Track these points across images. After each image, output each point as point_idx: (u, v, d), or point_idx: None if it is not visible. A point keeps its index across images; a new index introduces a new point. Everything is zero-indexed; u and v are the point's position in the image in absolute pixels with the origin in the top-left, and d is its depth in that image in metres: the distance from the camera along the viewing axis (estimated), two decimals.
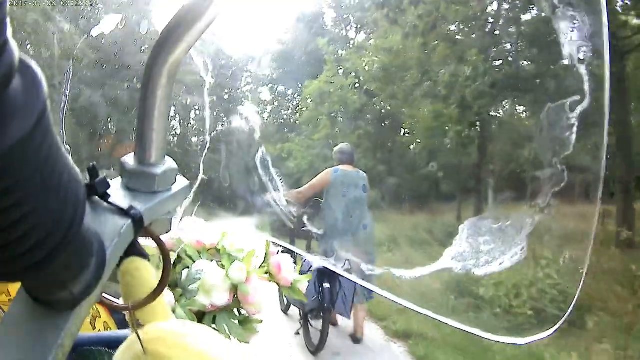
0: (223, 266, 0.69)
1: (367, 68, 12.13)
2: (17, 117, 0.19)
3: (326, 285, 3.58)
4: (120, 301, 0.39)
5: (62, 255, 0.24)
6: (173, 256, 0.68)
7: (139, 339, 0.36)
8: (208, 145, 0.61)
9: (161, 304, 0.39)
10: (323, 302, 3.54)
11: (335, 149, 4.21)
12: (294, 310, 4.37)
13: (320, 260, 3.24)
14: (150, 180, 0.36)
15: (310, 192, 4.07)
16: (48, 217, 0.23)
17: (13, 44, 0.19)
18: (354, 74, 13.37)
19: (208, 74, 0.56)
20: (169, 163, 0.37)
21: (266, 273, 0.72)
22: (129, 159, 0.36)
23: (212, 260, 0.69)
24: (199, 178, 0.54)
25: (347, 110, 13.15)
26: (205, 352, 0.36)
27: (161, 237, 0.38)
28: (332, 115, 13.20)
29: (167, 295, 0.64)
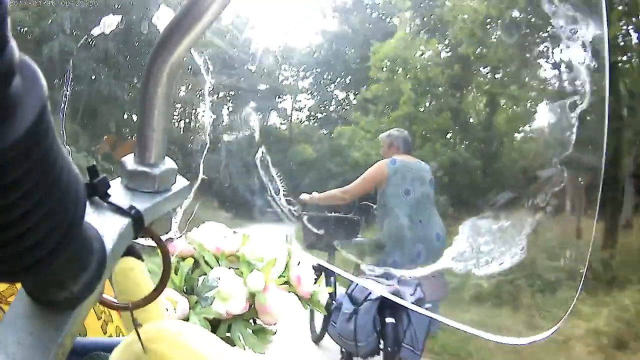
0: (241, 273, 0.68)
1: (461, 25, 8.24)
2: (17, 116, 0.19)
3: (390, 320, 2.50)
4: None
5: (62, 255, 0.24)
6: (190, 262, 0.68)
7: (139, 337, 0.36)
8: (208, 145, 0.61)
9: (156, 303, 0.39)
10: (386, 345, 2.49)
11: (389, 133, 3.19)
12: (329, 341, 3.02)
13: (375, 285, 2.34)
14: (150, 180, 0.36)
15: (359, 191, 3.12)
16: (48, 216, 0.23)
17: (13, 43, 0.19)
18: (440, 34, 9.55)
19: (209, 74, 0.56)
20: (169, 163, 0.37)
21: (285, 283, 0.71)
22: (129, 159, 0.36)
23: (230, 268, 0.68)
24: (199, 178, 0.54)
25: (432, 83, 9.37)
26: (205, 350, 0.37)
27: (165, 238, 0.38)
28: (415, 87, 9.28)
29: (182, 301, 0.63)
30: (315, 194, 3.26)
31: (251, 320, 0.68)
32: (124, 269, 0.37)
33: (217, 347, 0.38)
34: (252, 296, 0.67)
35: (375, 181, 3.03)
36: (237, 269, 0.69)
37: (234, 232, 0.72)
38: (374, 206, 3.20)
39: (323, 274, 3.32)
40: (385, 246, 2.97)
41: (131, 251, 0.36)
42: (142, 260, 0.37)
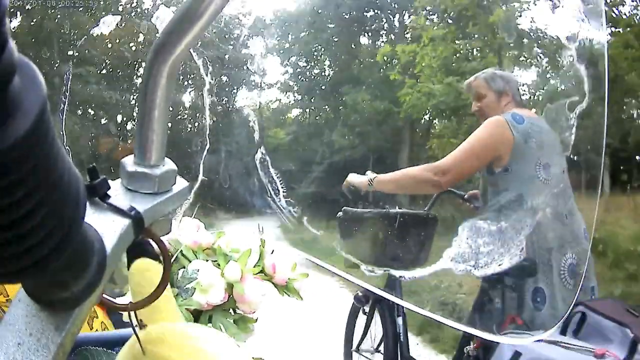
0: (219, 265, 0.70)
1: None
2: (16, 116, 0.19)
3: None
4: (119, 301, 0.39)
5: (63, 256, 0.24)
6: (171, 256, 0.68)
7: (138, 339, 0.36)
8: (208, 146, 0.61)
9: (169, 304, 0.39)
10: None
11: (492, 75, 1.81)
12: None
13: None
14: (150, 181, 0.36)
15: (469, 168, 1.75)
16: (49, 217, 0.23)
17: (12, 43, 0.19)
18: None
19: (208, 74, 0.56)
20: (169, 164, 0.37)
21: (261, 272, 0.72)
22: (129, 160, 0.36)
23: (207, 260, 0.70)
24: (199, 179, 0.54)
25: None
26: (208, 354, 0.36)
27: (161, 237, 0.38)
28: None
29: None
30: (370, 174, 1.85)
31: (231, 310, 0.70)
32: (140, 270, 0.37)
33: (222, 348, 0.38)
34: (230, 287, 0.69)
35: (495, 151, 1.68)
36: (215, 261, 0.71)
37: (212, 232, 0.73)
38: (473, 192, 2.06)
39: (376, 309, 2.14)
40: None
41: (147, 252, 0.36)
42: (159, 262, 0.37)
